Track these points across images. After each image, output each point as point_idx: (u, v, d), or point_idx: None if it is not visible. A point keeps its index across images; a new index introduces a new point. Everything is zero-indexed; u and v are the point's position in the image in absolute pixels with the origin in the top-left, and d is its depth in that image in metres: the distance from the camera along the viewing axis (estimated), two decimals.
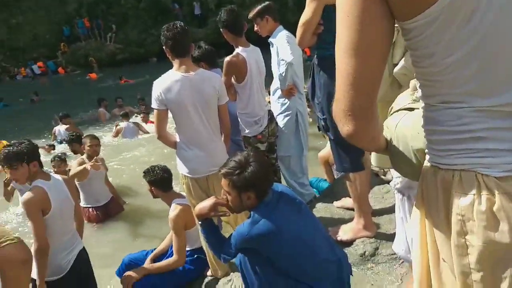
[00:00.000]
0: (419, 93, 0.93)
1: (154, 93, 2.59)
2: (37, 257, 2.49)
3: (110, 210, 4.98)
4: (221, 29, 3.26)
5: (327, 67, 2.35)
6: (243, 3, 21.02)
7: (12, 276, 1.39)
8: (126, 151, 7.94)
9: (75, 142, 5.53)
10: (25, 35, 25.43)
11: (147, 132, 8.71)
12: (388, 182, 3.18)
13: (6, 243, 1.34)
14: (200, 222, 2.07)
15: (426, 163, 0.94)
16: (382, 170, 3.33)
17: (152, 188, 3.14)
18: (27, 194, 2.56)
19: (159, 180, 3.11)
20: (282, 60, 3.35)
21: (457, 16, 0.75)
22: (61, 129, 9.01)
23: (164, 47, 2.64)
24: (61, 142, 8.72)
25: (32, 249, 2.48)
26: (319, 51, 2.39)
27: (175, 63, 2.63)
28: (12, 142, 2.73)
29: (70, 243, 2.77)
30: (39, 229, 2.52)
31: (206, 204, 2.02)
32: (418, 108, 1.00)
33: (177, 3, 23.91)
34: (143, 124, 9.17)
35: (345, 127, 0.89)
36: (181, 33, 2.58)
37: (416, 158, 1.03)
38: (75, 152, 5.60)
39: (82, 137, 5.42)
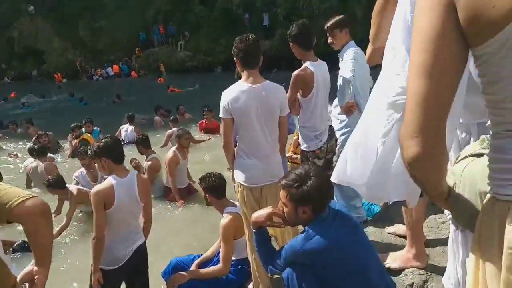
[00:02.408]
0: (488, 122, 0.91)
1: (222, 103, 2.70)
2: (93, 244, 2.73)
3: (189, 191, 5.86)
4: (290, 43, 3.28)
5: None
6: (312, 14, 21.12)
7: (34, 229, 1.54)
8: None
9: (142, 143, 5.88)
10: (105, 38, 27.41)
11: (198, 142, 9.00)
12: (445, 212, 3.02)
13: (20, 200, 1.49)
14: (254, 230, 2.10)
15: (487, 196, 0.92)
16: None
17: (207, 194, 3.23)
18: (95, 187, 2.81)
19: (214, 187, 3.19)
20: (341, 76, 3.33)
21: None
22: (129, 128, 9.57)
23: (234, 58, 2.74)
24: (128, 142, 9.23)
25: (92, 237, 2.73)
26: None
27: (244, 74, 2.71)
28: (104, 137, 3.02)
29: (130, 238, 2.92)
30: (98, 219, 2.74)
31: (262, 213, 2.06)
32: (487, 154, 0.98)
33: (247, 13, 24.55)
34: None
35: (410, 150, 0.88)
36: (252, 45, 2.67)
37: (481, 202, 1.00)
38: (141, 153, 5.93)
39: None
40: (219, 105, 2.71)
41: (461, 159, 1.17)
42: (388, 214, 3.40)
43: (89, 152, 2.92)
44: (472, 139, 1.62)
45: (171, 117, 9.75)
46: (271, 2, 23.93)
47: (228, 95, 2.68)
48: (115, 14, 27.22)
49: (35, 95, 20.77)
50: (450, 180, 1.09)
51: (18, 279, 1.61)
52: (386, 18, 1.94)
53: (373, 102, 1.89)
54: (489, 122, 0.91)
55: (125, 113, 10.36)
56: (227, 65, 23.83)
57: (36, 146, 6.95)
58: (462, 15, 0.81)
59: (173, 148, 5.83)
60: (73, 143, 8.50)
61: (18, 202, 1.49)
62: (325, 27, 3.49)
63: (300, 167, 1.99)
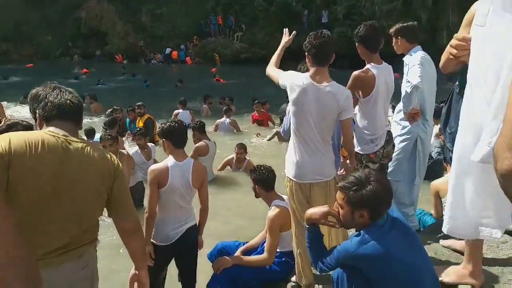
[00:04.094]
0: None
1: (288, 78, 2.76)
2: (145, 219, 2.89)
3: None
4: (356, 43, 3.22)
5: None
6: (373, 15, 20.56)
7: (134, 245, 1.97)
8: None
9: (198, 130, 6.23)
10: (165, 25, 28.19)
11: (240, 131, 9.46)
12: (508, 232, 2.85)
13: (131, 220, 1.89)
14: (307, 226, 2.09)
15: None
16: None
17: (256, 186, 3.25)
18: (152, 166, 2.98)
19: (263, 179, 3.21)
20: (408, 82, 3.21)
21: None
22: (184, 113, 9.85)
23: (306, 53, 2.72)
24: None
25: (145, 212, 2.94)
26: (463, 78, 2.25)
27: (312, 70, 2.69)
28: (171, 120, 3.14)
29: (180, 219, 3.00)
30: (150, 197, 2.91)
31: (318, 210, 2.03)
32: None
33: (306, 10, 24.27)
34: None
35: (505, 162, 0.86)
36: (327, 42, 2.65)
37: None
38: (197, 139, 6.23)
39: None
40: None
41: None
42: (441, 227, 3.25)
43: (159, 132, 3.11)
44: None
45: (224, 107, 10.00)
46: (331, 0, 23.52)
47: (293, 79, 2.71)
48: (176, 2, 27.90)
49: (101, 73, 21.61)
50: None
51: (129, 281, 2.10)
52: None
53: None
54: None
55: (183, 97, 10.62)
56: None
57: (107, 119, 7.21)
58: None
59: (232, 155, 6.65)
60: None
61: (130, 221, 1.89)
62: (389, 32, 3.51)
63: (360, 170, 1.95)
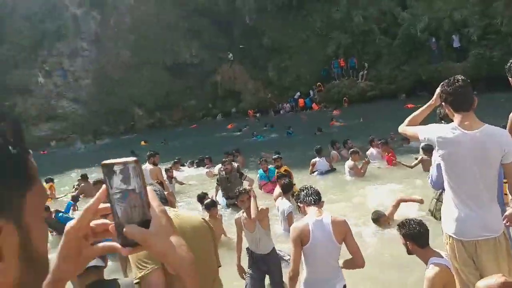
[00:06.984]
0: None
1: (430, 133, 2.64)
2: (289, 280, 3.02)
3: None
4: (509, 78, 2.97)
5: None
6: None
7: None
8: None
9: None
10: (290, 76, 29.66)
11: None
12: None
13: (150, 270, 1.61)
14: None
15: None
16: None
17: (407, 242, 3.17)
18: (294, 224, 3.27)
19: (415, 234, 3.11)
20: None
21: None
22: (321, 161, 10.20)
23: (443, 102, 2.67)
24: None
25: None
26: None
27: (456, 118, 2.59)
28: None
29: (329, 278, 3.04)
30: (294, 255, 2.98)
31: (492, 281, 1.91)
32: None
33: (434, 37, 22.98)
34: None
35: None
36: (463, 87, 2.55)
37: None
38: None
39: None
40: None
41: None
42: None
43: None
44: None
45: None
46: (461, 23, 21.91)
47: (439, 132, 2.59)
48: (298, 53, 29.21)
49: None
50: None
51: None
52: None
53: None
54: None
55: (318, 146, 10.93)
56: (411, 91, 22.86)
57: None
58: None
59: None
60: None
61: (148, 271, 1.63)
62: None
63: None
